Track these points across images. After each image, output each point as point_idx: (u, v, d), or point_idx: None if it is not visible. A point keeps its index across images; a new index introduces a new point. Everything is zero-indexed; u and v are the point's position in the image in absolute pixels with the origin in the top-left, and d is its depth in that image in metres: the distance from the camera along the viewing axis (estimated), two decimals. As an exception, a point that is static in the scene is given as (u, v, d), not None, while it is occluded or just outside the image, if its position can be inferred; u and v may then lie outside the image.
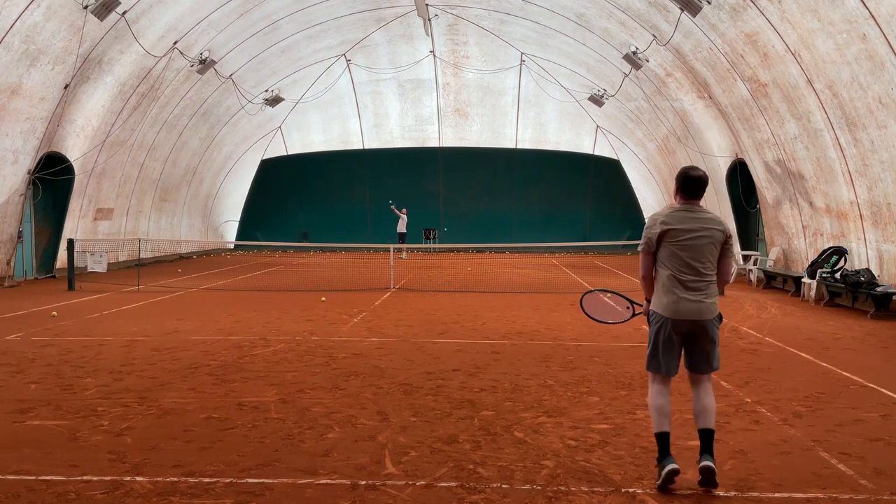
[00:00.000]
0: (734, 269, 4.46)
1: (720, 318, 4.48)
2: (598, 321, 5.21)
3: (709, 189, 21.87)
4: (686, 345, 4.46)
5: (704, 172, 4.54)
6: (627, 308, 4.95)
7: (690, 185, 4.46)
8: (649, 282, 4.55)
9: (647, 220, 4.53)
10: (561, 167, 29.78)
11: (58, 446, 5.00)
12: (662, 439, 4.35)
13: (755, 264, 17.36)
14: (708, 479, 4.22)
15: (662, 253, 4.45)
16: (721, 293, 4.34)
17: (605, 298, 5.41)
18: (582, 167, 29.67)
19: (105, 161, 18.81)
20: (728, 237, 4.46)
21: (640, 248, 4.56)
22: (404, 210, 27.05)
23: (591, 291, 5.36)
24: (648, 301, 4.59)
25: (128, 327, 10.19)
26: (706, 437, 4.33)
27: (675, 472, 4.22)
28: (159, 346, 8.78)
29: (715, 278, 4.46)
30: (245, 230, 30.41)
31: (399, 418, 5.71)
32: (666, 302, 4.41)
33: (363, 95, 28.39)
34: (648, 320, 4.57)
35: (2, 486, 4.28)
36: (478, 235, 28.19)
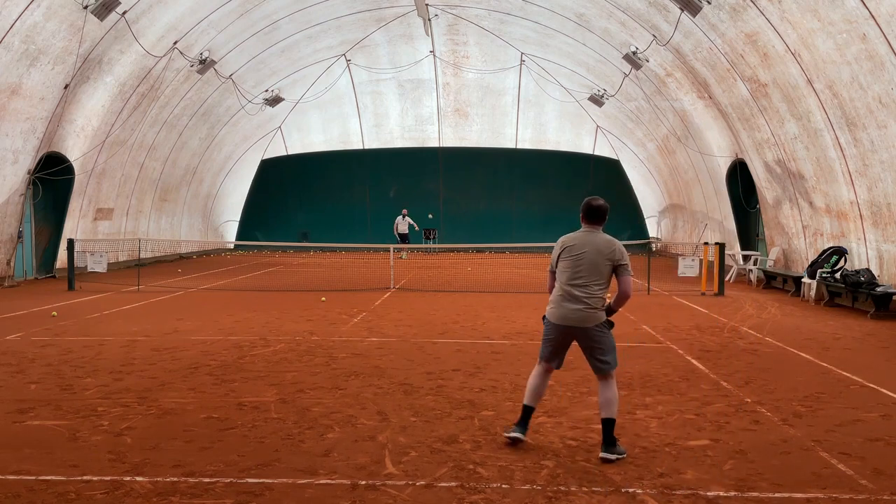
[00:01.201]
0: (630, 286, 5.13)
1: (609, 324, 5.05)
2: None
3: (709, 189, 21.91)
4: (583, 350, 5.10)
5: (604, 202, 5.21)
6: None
7: (589, 213, 5.16)
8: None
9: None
10: (561, 167, 29.78)
11: (58, 446, 5.00)
12: (526, 411, 5.14)
13: (755, 264, 17.36)
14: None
15: (558, 269, 5.17)
16: (608, 308, 4.97)
17: None
18: (582, 167, 29.66)
19: (105, 161, 18.81)
20: (619, 260, 5.03)
21: (549, 269, 5.32)
22: (405, 211, 27.05)
23: None
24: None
25: (128, 327, 10.19)
26: (606, 426, 4.85)
27: (516, 440, 5.02)
28: (159, 346, 8.78)
29: (600, 292, 5.02)
30: (245, 230, 30.41)
31: (399, 418, 5.71)
32: (552, 309, 5.11)
33: (363, 95, 28.38)
34: (543, 321, 5.24)
35: (2, 486, 4.28)
36: (478, 235, 28.19)
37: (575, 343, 5.13)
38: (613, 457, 4.74)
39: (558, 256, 5.17)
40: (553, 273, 5.23)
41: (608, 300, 5.15)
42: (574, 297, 4.99)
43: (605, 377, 5.00)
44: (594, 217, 5.15)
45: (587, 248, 5.04)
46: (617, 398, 4.99)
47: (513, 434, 5.02)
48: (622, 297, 5.10)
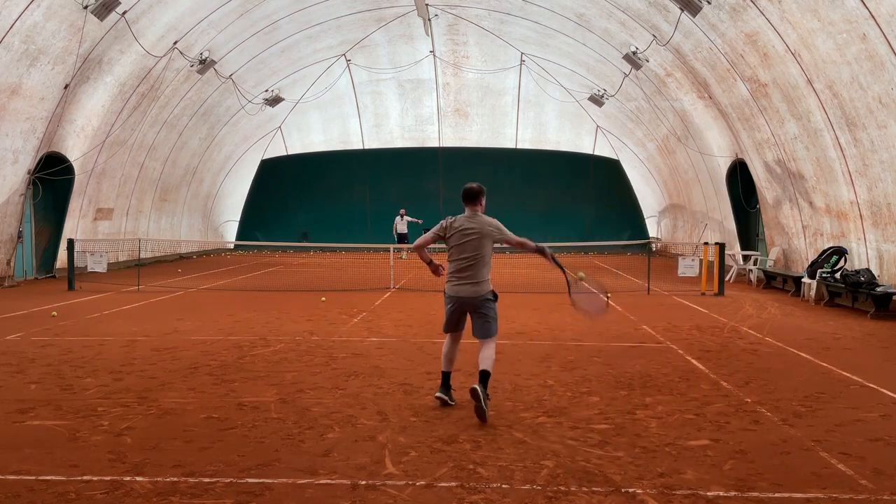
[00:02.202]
0: (521, 239, 6.17)
1: (495, 296, 5.99)
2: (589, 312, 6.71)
3: (709, 189, 21.95)
4: (471, 317, 6.00)
5: (479, 185, 6.08)
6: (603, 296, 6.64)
7: (466, 196, 6.05)
8: (421, 251, 6.22)
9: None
10: (561, 167, 29.78)
11: (58, 446, 5.00)
12: (444, 376, 6.08)
13: (755, 264, 17.36)
14: (476, 400, 5.50)
15: (448, 248, 6.03)
16: (541, 251, 5.86)
17: (584, 295, 6.56)
18: (582, 167, 29.66)
19: (105, 161, 18.81)
20: (497, 231, 5.97)
21: (429, 231, 6.18)
22: (403, 211, 27.04)
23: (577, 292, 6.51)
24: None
25: (128, 327, 10.19)
26: (483, 375, 5.71)
27: (442, 401, 5.99)
28: (159, 346, 8.78)
29: (485, 269, 5.93)
30: (245, 230, 30.40)
31: (399, 418, 5.71)
32: (449, 286, 6.00)
33: (363, 95, 28.38)
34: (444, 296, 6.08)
35: (2, 486, 4.28)
36: (478, 235, 28.12)
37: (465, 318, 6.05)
38: (483, 393, 5.51)
39: (446, 239, 6.03)
40: (431, 238, 6.13)
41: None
42: (466, 275, 5.91)
43: (487, 342, 5.90)
44: (471, 199, 6.02)
45: (472, 231, 5.92)
46: (494, 356, 5.89)
47: (438, 394, 6.02)
48: (520, 245, 6.12)
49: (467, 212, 6.05)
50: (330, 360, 7.96)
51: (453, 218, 6.04)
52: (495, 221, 5.99)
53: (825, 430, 5.44)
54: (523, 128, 29.51)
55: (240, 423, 5.57)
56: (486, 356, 5.81)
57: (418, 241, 6.24)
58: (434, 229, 6.12)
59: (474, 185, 6.07)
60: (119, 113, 18.20)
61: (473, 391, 5.52)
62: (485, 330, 5.93)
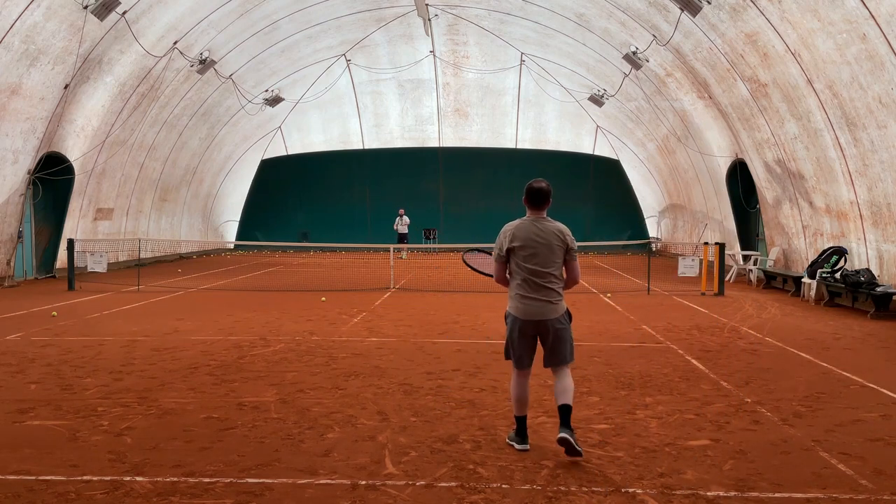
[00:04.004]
0: (578, 271, 5.03)
1: (569, 316, 4.96)
2: (480, 272, 5.87)
3: (709, 189, 21.96)
4: (541, 342, 4.96)
5: (547, 184, 4.96)
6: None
7: (534, 196, 4.91)
8: (504, 282, 5.07)
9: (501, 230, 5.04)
10: (561, 167, 29.74)
11: (58, 446, 5.00)
12: (520, 421, 5.00)
13: (755, 264, 17.36)
14: (569, 449, 4.64)
15: (512, 262, 4.94)
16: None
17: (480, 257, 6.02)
18: (582, 167, 29.66)
19: (105, 161, 18.81)
20: (571, 245, 4.91)
21: (493, 258, 5.12)
22: (402, 211, 27.05)
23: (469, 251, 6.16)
24: None
25: (128, 327, 10.19)
26: (564, 412, 4.78)
27: (522, 449, 4.90)
28: (159, 346, 8.78)
29: (559, 282, 4.91)
30: (245, 230, 30.41)
31: (399, 418, 5.71)
32: (515, 304, 4.92)
33: (363, 95, 28.38)
34: (505, 319, 5.03)
35: (2, 486, 4.28)
36: (478, 235, 28.13)
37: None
38: (573, 437, 4.64)
39: (509, 249, 4.91)
40: (502, 263, 4.99)
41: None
42: (540, 290, 4.83)
43: (563, 370, 4.93)
44: (541, 201, 4.92)
45: (541, 238, 4.84)
46: (573, 386, 4.95)
47: (524, 448, 4.92)
48: (572, 283, 5.01)
49: (530, 215, 4.93)
50: (330, 360, 7.96)
51: (512, 225, 4.93)
52: (567, 229, 4.96)
53: (825, 430, 5.44)
54: (523, 128, 29.51)
55: (240, 423, 5.57)
56: (566, 387, 4.85)
57: (497, 276, 5.07)
58: (496, 249, 5.00)
59: (543, 183, 4.94)
60: (119, 113, 18.20)
61: (563, 441, 4.64)
62: (562, 355, 4.90)
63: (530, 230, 4.87)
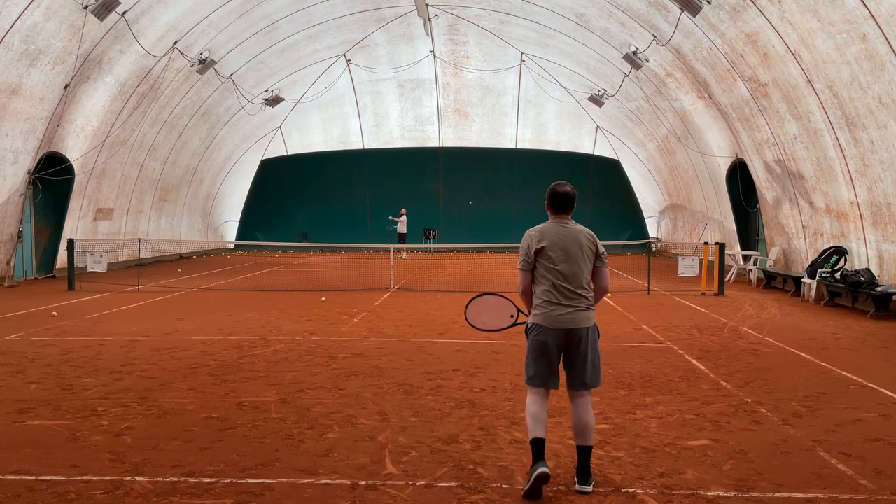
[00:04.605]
0: (608, 279, 4.56)
1: (597, 332, 4.46)
2: (477, 328, 5.14)
3: (709, 189, 21.92)
4: (564, 357, 4.44)
5: (572, 187, 4.58)
6: (511, 316, 4.96)
7: (558, 200, 4.52)
8: (528, 297, 4.58)
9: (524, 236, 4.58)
10: (561, 167, 29.68)
11: (58, 446, 5.00)
12: (536, 445, 4.29)
13: (755, 264, 17.36)
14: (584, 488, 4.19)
15: (539, 267, 4.48)
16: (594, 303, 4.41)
17: (492, 300, 5.17)
18: (582, 167, 29.65)
19: (105, 161, 18.81)
20: (601, 251, 4.51)
21: (518, 267, 4.58)
22: (403, 211, 27.06)
23: (478, 296, 5.23)
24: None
25: (128, 327, 10.19)
26: (583, 454, 4.30)
27: (543, 477, 4.11)
28: (159, 346, 8.78)
29: (589, 291, 4.46)
30: (245, 230, 30.41)
31: (399, 418, 5.71)
32: (543, 312, 4.41)
33: (363, 95, 28.39)
34: (527, 334, 4.52)
35: (2, 486, 4.28)
36: (478, 235, 28.18)
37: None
38: (591, 488, 4.22)
39: (536, 252, 4.47)
40: (528, 271, 4.53)
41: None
42: (570, 296, 4.39)
43: (586, 394, 4.40)
44: (565, 205, 4.54)
45: (570, 242, 4.45)
46: (594, 423, 4.44)
47: (538, 471, 4.11)
48: (602, 292, 4.58)
49: (553, 219, 4.55)
50: (330, 360, 7.96)
51: (536, 228, 4.54)
52: (592, 234, 4.57)
53: (825, 430, 5.44)
54: (523, 128, 29.51)
55: (240, 423, 5.57)
56: (588, 424, 4.32)
57: (524, 287, 4.58)
58: (522, 256, 4.53)
59: (567, 186, 4.56)
60: (119, 113, 18.20)
61: (581, 493, 4.21)
62: (590, 375, 4.39)
63: (558, 232, 4.47)
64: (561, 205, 4.53)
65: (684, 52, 16.58)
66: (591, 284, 4.52)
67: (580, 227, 4.55)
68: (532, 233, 4.53)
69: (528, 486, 4.14)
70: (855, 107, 11.61)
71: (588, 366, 4.38)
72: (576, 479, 4.28)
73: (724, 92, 16.30)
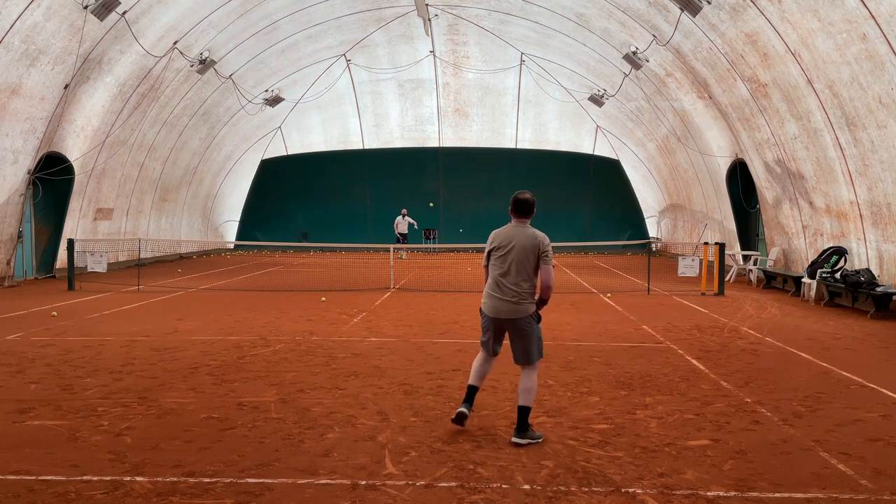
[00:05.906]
0: (550, 276, 5.28)
1: (537, 318, 5.27)
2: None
3: (709, 189, 21.94)
4: (510, 339, 5.34)
5: (532, 195, 5.39)
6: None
7: (518, 206, 5.33)
8: None
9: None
10: (561, 167, 29.78)
11: (58, 446, 5.00)
12: (470, 390, 5.44)
13: (755, 264, 17.36)
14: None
15: (490, 263, 5.39)
16: (539, 300, 5.28)
17: None
18: (582, 167, 29.66)
19: (105, 161, 18.81)
20: (542, 251, 5.20)
21: (483, 264, 5.52)
22: (405, 211, 27.06)
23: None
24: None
25: (128, 327, 10.19)
26: (522, 413, 5.11)
27: (462, 415, 5.29)
28: (159, 346, 8.78)
29: (527, 285, 5.22)
30: (245, 230, 30.41)
31: (399, 418, 5.71)
32: (487, 302, 5.35)
33: (363, 95, 28.39)
34: (480, 313, 5.46)
35: (2, 486, 4.27)
36: (478, 235, 28.15)
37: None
38: (525, 441, 5.00)
39: (489, 252, 5.39)
40: (485, 267, 5.45)
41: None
42: (504, 290, 5.23)
43: (528, 368, 5.25)
44: (524, 211, 5.32)
45: (514, 243, 5.24)
46: (535, 388, 5.25)
47: (460, 409, 5.31)
48: (544, 286, 5.24)
49: (514, 222, 5.35)
50: (330, 360, 7.96)
51: (496, 231, 5.45)
52: (544, 237, 5.28)
53: (825, 430, 5.44)
54: (523, 128, 29.51)
55: (240, 423, 5.57)
56: (526, 387, 5.17)
57: (485, 279, 5.50)
58: (485, 253, 5.48)
59: (527, 194, 5.37)
60: (119, 113, 18.20)
61: (515, 446, 5.01)
62: (526, 354, 5.25)
63: (509, 235, 5.30)
64: (519, 210, 5.33)
65: (684, 52, 16.58)
66: (535, 280, 5.26)
67: (533, 231, 5.28)
68: (491, 235, 5.44)
69: (454, 416, 5.33)
70: (855, 107, 11.61)
71: (520, 347, 5.27)
72: (514, 432, 5.09)
73: (724, 92, 16.31)
